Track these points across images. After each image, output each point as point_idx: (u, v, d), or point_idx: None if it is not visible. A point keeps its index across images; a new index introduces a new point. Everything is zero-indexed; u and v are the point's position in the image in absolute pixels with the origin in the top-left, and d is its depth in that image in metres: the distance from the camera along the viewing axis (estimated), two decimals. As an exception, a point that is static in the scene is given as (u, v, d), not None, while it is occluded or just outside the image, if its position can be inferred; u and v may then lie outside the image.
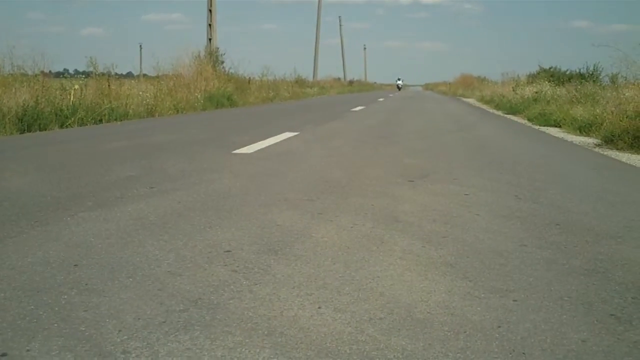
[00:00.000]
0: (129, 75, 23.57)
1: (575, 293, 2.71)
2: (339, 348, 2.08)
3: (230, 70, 24.54)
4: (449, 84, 63.48)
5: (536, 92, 19.19)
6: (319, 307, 2.44)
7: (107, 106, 13.13)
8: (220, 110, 18.91)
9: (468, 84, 47.67)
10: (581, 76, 21.55)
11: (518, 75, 27.46)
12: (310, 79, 51.35)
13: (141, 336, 2.14)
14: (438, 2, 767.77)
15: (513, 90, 22.50)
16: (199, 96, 18.63)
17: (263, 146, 8.02)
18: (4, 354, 1.98)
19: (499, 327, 2.30)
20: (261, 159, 6.91)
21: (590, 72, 21.73)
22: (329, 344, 2.11)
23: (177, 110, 16.56)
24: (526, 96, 19.89)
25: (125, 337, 2.13)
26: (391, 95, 45.91)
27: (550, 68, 25.34)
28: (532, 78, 24.91)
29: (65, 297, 2.49)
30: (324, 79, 57.54)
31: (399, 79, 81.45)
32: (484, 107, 25.11)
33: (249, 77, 26.61)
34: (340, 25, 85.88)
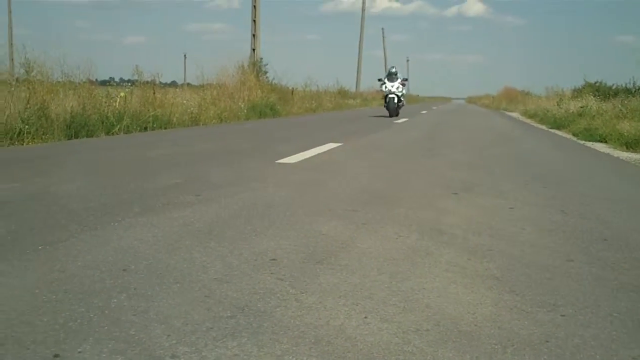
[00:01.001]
0: (173, 84, 23.85)
1: (625, 309, 2.67)
2: (386, 358, 2.08)
3: (274, 81, 24.65)
4: (492, 97, 62.97)
5: (581, 107, 18.98)
6: (365, 317, 2.44)
7: (151, 114, 13.27)
8: (264, 120, 19.01)
9: (511, 97, 47.29)
10: (628, 91, 21.29)
11: (562, 89, 27.24)
12: (353, 90, 51.36)
13: (189, 341, 2.16)
14: (481, 14, 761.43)
15: (557, 105, 22.31)
16: (242, 106, 18.74)
17: (307, 156, 8.04)
18: (56, 355, 2.01)
19: (547, 341, 2.28)
20: (305, 169, 6.93)
21: (638, 87, 21.44)
22: (376, 354, 2.11)
23: (221, 120, 16.68)
24: (571, 111, 19.69)
25: (174, 341, 2.15)
26: (434, 108, 45.72)
27: (595, 82, 25.05)
28: (577, 92, 24.69)
29: (115, 300, 2.52)
30: (367, 90, 57.46)
31: (391, 76, 22.31)
32: (528, 121, 24.90)
33: (292, 88, 26.70)
34: (383, 37, 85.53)
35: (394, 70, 22.64)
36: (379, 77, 22.27)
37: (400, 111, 22.42)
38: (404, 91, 22.01)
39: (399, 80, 21.94)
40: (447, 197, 5.27)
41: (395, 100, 21.84)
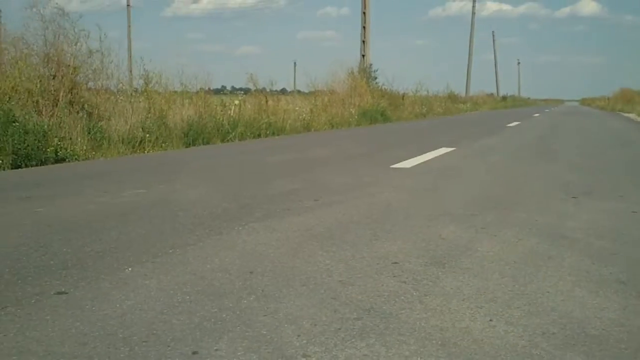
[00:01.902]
0: (283, 91, 24.18)
1: None
2: (514, 360, 2.10)
3: (384, 86, 24.68)
4: (608, 98, 61.07)
5: None
6: (490, 320, 2.46)
7: (265, 121, 13.54)
8: (374, 125, 19.07)
9: (628, 98, 45.78)
10: None
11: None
12: (463, 94, 50.89)
13: (319, 341, 2.22)
14: (596, 14, 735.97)
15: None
16: (353, 111, 18.87)
17: (421, 161, 8.05)
18: (195, 352, 2.11)
19: (679, 346, 2.24)
20: (420, 173, 6.95)
21: None
22: (504, 357, 2.12)
23: (332, 126, 16.84)
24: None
25: (305, 341, 2.22)
26: (547, 110, 44.80)
27: None
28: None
29: (245, 302, 2.62)
30: (477, 94, 56.80)
31: None
32: (647, 122, 24.09)
33: (403, 93, 26.66)
34: (493, 40, 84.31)
35: None
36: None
37: (510, 115, 22.13)
38: None
39: None
40: (566, 200, 5.19)
41: None
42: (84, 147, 8.71)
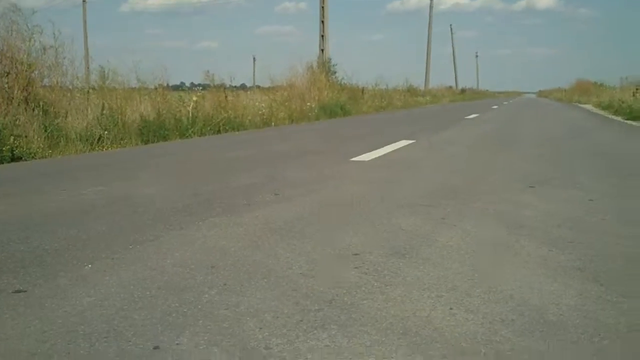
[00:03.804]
0: (242, 86, 24.11)
1: None
2: (475, 348, 2.12)
3: (343, 80, 24.72)
4: (564, 90, 61.80)
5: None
6: (451, 309, 2.48)
7: (224, 117, 13.48)
8: (334, 119, 19.09)
9: (584, 90, 46.36)
10: None
11: (638, 80, 26.51)
12: (422, 87, 51.13)
13: (281, 333, 2.22)
14: (552, 7, 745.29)
15: (633, 95, 21.80)
16: (312, 106, 18.86)
17: (380, 154, 8.09)
18: (156, 347, 2.10)
19: (637, 331, 2.28)
20: (379, 166, 6.98)
21: None
22: (464, 344, 2.15)
23: (292, 120, 16.83)
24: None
25: (267, 333, 2.22)
26: (505, 102, 45.22)
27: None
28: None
29: (206, 296, 2.62)
30: (436, 87, 57.14)
31: None
32: (602, 113, 24.39)
33: (362, 87, 26.73)
34: (451, 33, 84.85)
35: None
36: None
37: (469, 107, 22.36)
38: None
39: None
40: (524, 190, 5.25)
41: None
42: (41, 145, 8.60)
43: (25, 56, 9.83)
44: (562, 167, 7.05)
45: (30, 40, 9.97)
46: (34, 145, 8.46)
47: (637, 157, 8.67)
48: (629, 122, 17.57)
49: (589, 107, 31.52)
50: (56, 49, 10.43)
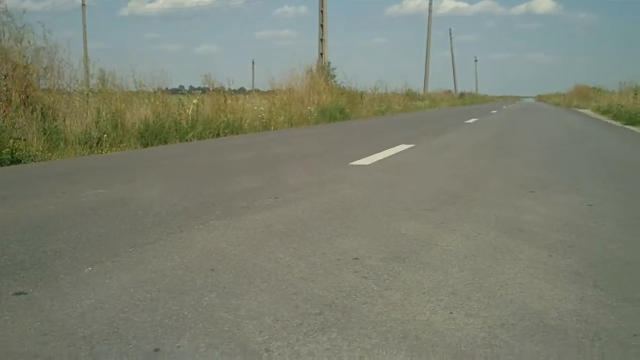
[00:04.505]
0: (242, 90, 24.10)
1: None
2: (474, 351, 2.12)
3: (343, 84, 24.75)
4: (563, 95, 61.82)
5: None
6: (451, 313, 2.48)
7: (223, 120, 13.50)
8: (334, 123, 19.11)
9: (583, 94, 46.37)
10: None
11: (637, 84, 26.50)
12: (421, 92, 51.20)
13: (281, 336, 2.23)
14: (551, 12, 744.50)
15: (634, 96, 21.79)
16: (312, 110, 18.89)
17: (380, 158, 8.10)
18: (157, 350, 2.11)
19: (635, 335, 2.28)
20: (379, 170, 6.98)
21: None
22: (464, 348, 2.15)
23: (291, 124, 16.85)
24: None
25: (267, 337, 2.22)
26: (504, 107, 45.23)
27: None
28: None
29: (207, 299, 2.62)
30: (435, 91, 57.28)
31: None
32: (601, 117, 24.44)
33: (362, 91, 26.76)
34: (450, 38, 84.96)
35: None
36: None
37: (468, 112, 22.38)
38: None
39: None
40: (523, 195, 5.25)
41: None
42: (40, 148, 8.62)
43: (20, 57, 9.83)
44: (562, 172, 7.06)
45: (21, 42, 9.97)
46: (33, 148, 8.47)
47: (636, 162, 8.67)
48: (627, 126, 17.57)
49: (587, 111, 31.58)
50: (48, 51, 10.43)
